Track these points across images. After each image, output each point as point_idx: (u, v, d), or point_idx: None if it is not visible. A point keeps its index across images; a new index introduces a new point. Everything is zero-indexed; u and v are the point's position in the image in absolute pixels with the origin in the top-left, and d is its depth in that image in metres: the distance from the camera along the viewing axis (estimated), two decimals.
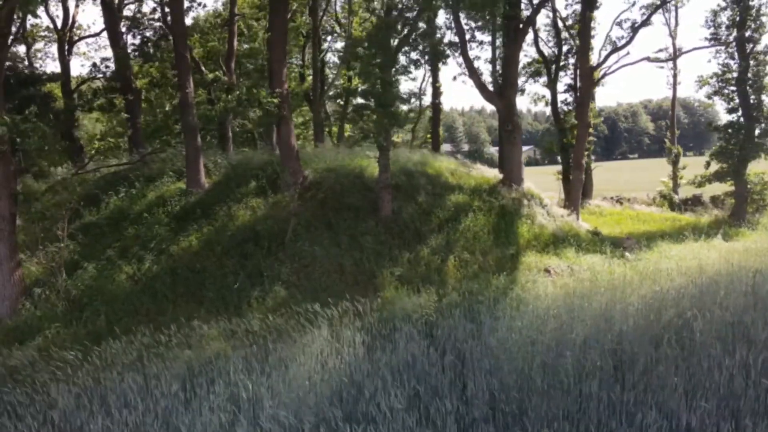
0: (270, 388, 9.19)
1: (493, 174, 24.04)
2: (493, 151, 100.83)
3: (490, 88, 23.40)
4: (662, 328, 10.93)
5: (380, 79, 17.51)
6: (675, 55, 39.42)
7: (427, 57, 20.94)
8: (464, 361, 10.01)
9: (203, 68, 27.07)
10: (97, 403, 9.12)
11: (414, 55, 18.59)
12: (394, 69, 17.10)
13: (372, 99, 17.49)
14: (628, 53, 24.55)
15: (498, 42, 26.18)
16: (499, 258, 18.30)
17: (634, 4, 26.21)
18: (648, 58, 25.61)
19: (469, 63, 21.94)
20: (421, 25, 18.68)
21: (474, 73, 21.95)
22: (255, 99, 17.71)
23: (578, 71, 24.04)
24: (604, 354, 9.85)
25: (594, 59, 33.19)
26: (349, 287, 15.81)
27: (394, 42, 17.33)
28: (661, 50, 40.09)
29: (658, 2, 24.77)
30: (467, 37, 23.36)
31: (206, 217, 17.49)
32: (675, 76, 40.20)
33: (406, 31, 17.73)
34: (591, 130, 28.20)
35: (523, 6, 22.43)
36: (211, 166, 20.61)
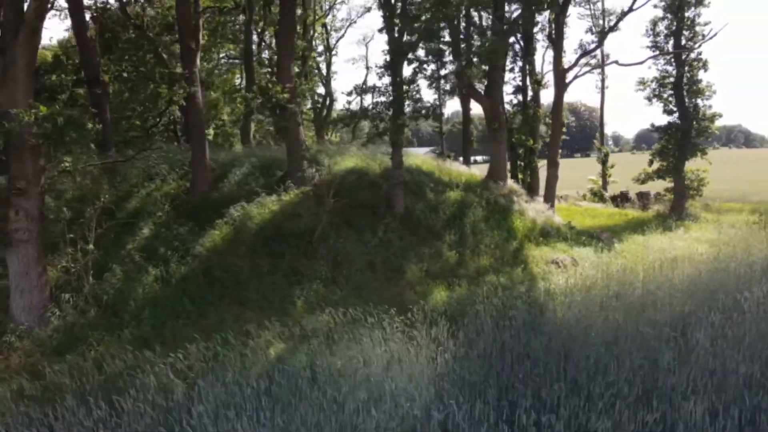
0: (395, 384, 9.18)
1: (477, 171, 24.83)
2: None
3: None
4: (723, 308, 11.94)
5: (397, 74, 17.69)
6: (603, 61, 42.20)
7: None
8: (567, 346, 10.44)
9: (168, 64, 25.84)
10: (246, 406, 8.72)
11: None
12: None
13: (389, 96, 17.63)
14: (595, 57, 26.12)
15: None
16: (506, 251, 18.97)
17: (609, 11, 27.63)
18: (617, 62, 27.39)
19: (459, 65, 22.53)
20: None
21: (464, 73, 22.55)
22: (269, 95, 17.25)
23: (554, 72, 25.13)
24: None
25: (538, 63, 35.16)
26: (383, 283, 15.90)
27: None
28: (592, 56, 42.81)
29: (626, 9, 26.49)
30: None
31: (223, 216, 16.84)
32: (603, 80, 43.08)
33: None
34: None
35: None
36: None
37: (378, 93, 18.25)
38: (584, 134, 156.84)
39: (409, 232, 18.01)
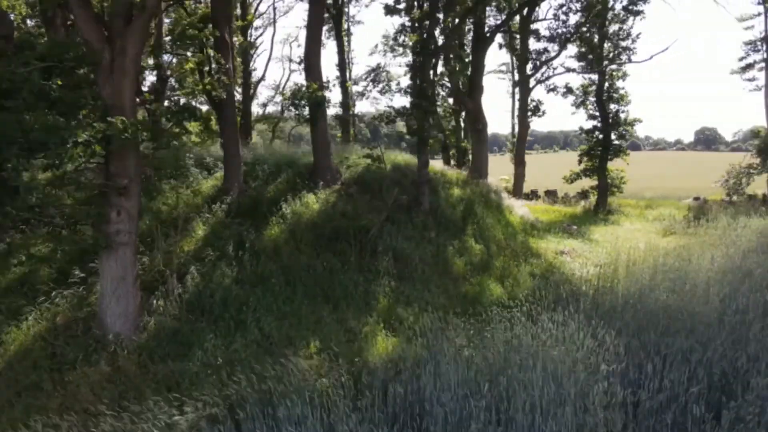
0: None
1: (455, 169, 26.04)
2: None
3: None
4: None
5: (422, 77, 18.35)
6: (513, 68, 45.42)
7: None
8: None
9: None
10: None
11: None
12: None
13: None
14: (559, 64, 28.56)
15: None
16: (516, 244, 20.30)
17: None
18: (574, 70, 29.86)
19: (449, 67, 23.55)
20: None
21: (452, 76, 23.63)
22: (304, 93, 17.15)
23: (519, 78, 27.02)
24: None
25: None
26: (440, 277, 16.51)
27: None
28: (503, 64, 45.75)
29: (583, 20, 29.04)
30: None
31: (271, 215, 16.55)
32: (514, 86, 46.21)
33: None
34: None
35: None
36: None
37: (404, 92, 18.75)
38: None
39: (440, 228, 18.73)
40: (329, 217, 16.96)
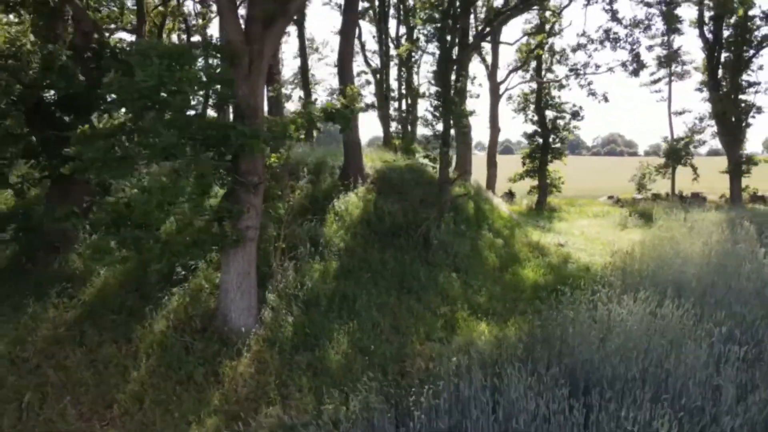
0: None
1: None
2: None
3: None
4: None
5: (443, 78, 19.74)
6: None
7: None
8: None
9: None
10: None
11: None
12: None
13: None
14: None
15: None
16: (521, 237, 22.09)
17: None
18: (539, 80, 32.24)
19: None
20: None
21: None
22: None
23: (489, 85, 29.05)
24: None
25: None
26: (483, 268, 17.82)
27: None
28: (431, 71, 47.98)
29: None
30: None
31: (325, 213, 17.12)
32: None
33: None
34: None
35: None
36: None
37: (428, 97, 19.90)
38: (338, 140, 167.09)
39: (465, 224, 20.07)
40: (378, 214, 17.77)
